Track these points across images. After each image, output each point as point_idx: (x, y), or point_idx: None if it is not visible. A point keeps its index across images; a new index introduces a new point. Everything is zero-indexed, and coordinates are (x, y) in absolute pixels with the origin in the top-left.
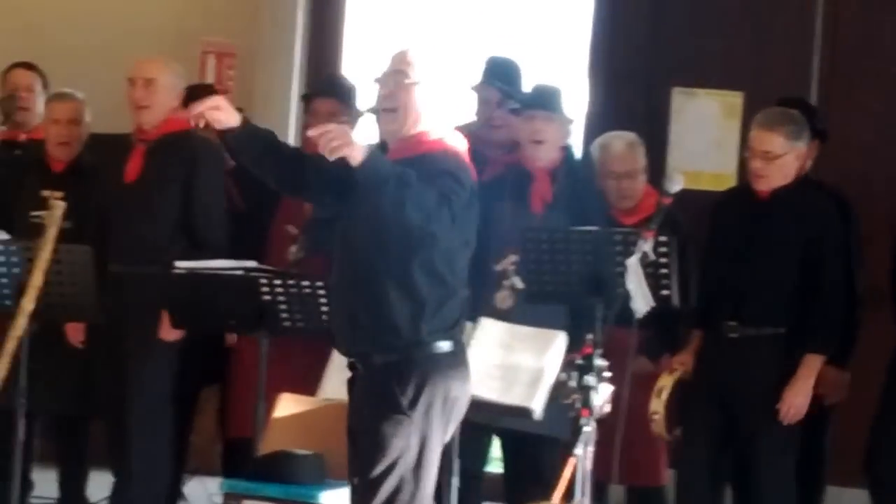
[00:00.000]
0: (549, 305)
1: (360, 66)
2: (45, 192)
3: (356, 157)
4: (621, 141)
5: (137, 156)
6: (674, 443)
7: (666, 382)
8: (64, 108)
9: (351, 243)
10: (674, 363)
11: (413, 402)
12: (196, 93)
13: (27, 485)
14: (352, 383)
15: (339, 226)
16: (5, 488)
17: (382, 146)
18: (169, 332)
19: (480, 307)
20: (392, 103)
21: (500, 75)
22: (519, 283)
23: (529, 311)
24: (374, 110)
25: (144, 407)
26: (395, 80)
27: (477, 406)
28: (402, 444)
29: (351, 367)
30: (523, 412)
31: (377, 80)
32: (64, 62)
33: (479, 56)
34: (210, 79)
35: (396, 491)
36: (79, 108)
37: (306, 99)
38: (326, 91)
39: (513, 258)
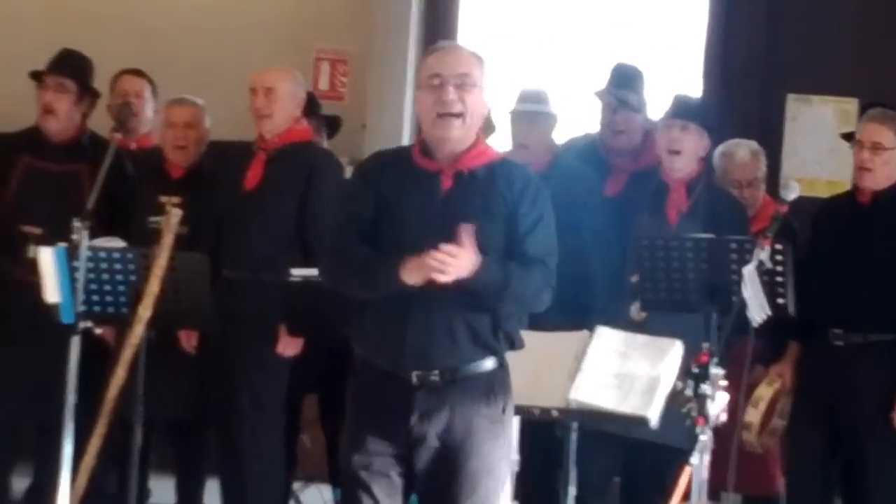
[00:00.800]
0: (686, 317)
1: None
2: (163, 199)
3: (464, 275)
4: (745, 149)
5: (258, 164)
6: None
7: (764, 393)
8: (181, 112)
9: None
10: (772, 374)
11: (504, 409)
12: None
13: (144, 493)
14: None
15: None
16: (123, 496)
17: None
18: (287, 347)
19: (617, 318)
20: (459, 108)
21: (622, 82)
22: None
23: (666, 323)
24: None
25: (257, 414)
26: (462, 83)
27: (593, 415)
28: (502, 452)
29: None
30: (639, 421)
31: (439, 83)
32: (178, 70)
33: (592, 61)
34: (324, 86)
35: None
36: (196, 113)
37: None
38: None
39: None
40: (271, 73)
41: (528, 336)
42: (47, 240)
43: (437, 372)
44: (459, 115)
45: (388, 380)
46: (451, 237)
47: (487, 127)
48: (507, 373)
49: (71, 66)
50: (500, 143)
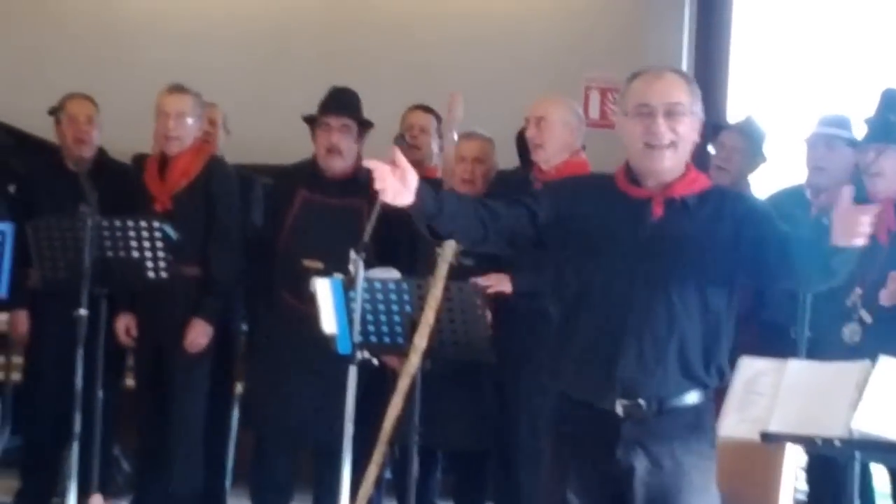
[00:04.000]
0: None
1: (744, 100)
2: None
3: None
4: None
5: None
6: None
7: None
8: (470, 147)
9: (671, 277)
10: None
11: (712, 444)
12: None
13: None
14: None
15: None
16: None
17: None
18: None
19: (829, 341)
20: (670, 138)
21: (891, 107)
22: (867, 316)
23: (880, 346)
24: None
25: (535, 442)
26: (672, 112)
27: (877, 445)
28: (711, 489)
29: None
30: None
31: (648, 112)
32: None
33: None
34: (594, 114)
35: None
36: (485, 147)
37: (715, 131)
38: (737, 128)
39: (859, 291)
40: (544, 102)
41: (807, 366)
42: (329, 274)
43: (643, 402)
44: (671, 145)
45: (591, 411)
46: (663, 265)
47: (756, 157)
48: (713, 407)
49: (349, 105)
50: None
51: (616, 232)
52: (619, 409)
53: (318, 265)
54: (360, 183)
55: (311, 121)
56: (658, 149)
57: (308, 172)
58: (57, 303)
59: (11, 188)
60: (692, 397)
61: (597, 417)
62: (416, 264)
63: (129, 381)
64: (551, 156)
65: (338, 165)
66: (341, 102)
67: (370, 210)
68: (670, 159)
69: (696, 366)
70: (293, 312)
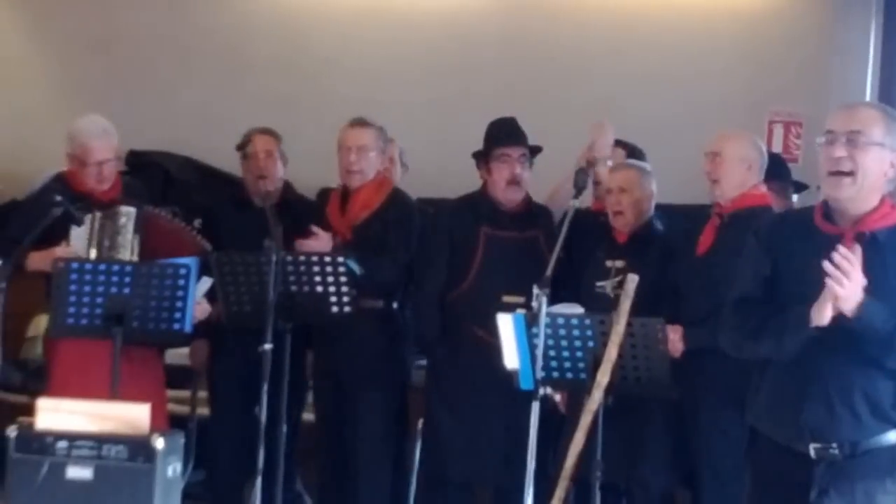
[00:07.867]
0: None
1: None
2: (609, 263)
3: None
4: None
5: (710, 228)
6: None
7: None
8: (613, 177)
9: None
10: None
11: None
12: None
13: None
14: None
15: None
16: None
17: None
18: None
19: None
20: (848, 166)
21: None
22: None
23: None
24: None
25: (716, 480)
26: (854, 140)
27: None
28: None
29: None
30: None
31: (831, 140)
32: (635, 133)
33: None
34: (777, 148)
35: None
36: (629, 177)
37: None
38: None
39: None
40: (720, 137)
41: None
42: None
43: (835, 446)
44: (850, 174)
45: (786, 453)
46: None
47: None
48: None
49: (523, 135)
50: None
51: (807, 268)
52: (811, 453)
53: (519, 299)
54: (534, 214)
55: (482, 154)
56: (837, 176)
57: (486, 207)
58: (239, 337)
59: (197, 222)
60: (887, 438)
61: (791, 459)
62: (581, 297)
63: (308, 416)
64: (727, 191)
65: (518, 197)
66: (516, 133)
67: (547, 241)
68: (849, 188)
69: (885, 406)
70: (487, 348)
